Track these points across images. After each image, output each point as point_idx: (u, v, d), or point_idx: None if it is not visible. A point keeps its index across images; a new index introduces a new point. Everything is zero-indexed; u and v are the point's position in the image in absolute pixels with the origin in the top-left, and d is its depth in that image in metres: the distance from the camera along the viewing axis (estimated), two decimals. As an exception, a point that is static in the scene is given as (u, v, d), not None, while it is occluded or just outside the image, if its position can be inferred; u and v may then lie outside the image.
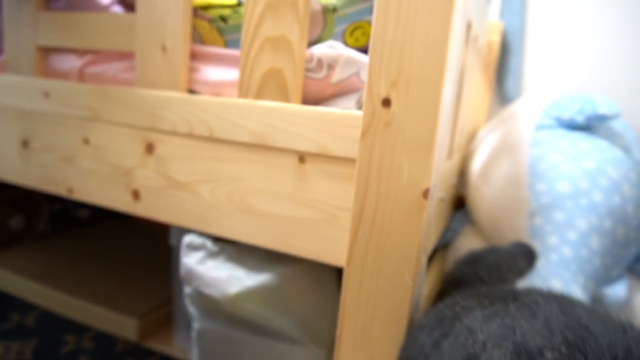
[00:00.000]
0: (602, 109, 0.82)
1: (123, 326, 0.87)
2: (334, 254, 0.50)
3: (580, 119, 0.86)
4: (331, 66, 0.51)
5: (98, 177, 0.64)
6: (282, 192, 0.52)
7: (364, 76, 0.53)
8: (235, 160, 0.54)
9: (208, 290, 0.54)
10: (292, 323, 0.55)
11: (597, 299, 0.78)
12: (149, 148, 0.59)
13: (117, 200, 0.63)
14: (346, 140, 0.47)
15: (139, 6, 0.57)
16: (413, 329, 0.42)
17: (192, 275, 0.55)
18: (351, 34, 0.56)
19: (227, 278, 0.54)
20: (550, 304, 0.34)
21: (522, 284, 0.72)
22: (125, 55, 0.63)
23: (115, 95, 0.60)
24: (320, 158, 0.49)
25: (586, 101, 0.86)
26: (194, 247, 0.57)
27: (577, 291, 0.73)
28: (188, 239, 0.58)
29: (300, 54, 0.49)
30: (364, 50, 0.61)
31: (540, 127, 0.91)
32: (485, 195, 0.89)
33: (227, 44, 0.57)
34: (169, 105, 0.56)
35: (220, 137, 0.54)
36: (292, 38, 0.49)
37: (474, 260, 0.49)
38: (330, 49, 0.51)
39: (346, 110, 0.47)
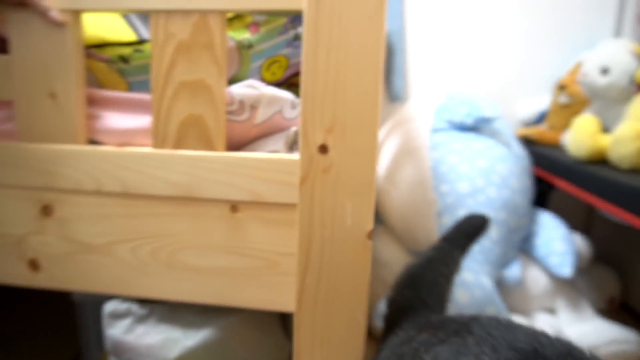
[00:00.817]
0: (487, 111, 0.91)
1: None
2: (279, 300, 0.48)
3: (469, 121, 0.94)
4: (254, 107, 0.49)
5: (-21, 249, 0.53)
6: (216, 244, 0.48)
7: (287, 113, 0.52)
8: (157, 215, 0.49)
9: (143, 361, 0.49)
10: (239, 375, 0.53)
11: (498, 282, 0.88)
12: (46, 210, 0.51)
13: (9, 274, 0.53)
14: (281, 185, 0.45)
15: (14, 46, 0.48)
16: None
17: (121, 347, 0.50)
18: (268, 68, 0.54)
19: (162, 343, 0.49)
20: (501, 335, 0.37)
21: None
22: (1, 104, 0.53)
23: (-7, 152, 0.50)
24: (254, 205, 0.47)
25: (472, 105, 0.95)
26: (118, 316, 0.51)
27: (485, 279, 0.81)
28: (110, 307, 0.51)
29: (221, 98, 0.46)
30: (281, 83, 0.59)
31: (435, 130, 0.98)
32: (394, 199, 0.94)
33: (130, 87, 0.51)
34: (66, 160, 0.49)
35: (137, 192, 0.48)
36: (211, 82, 0.46)
37: (413, 282, 0.51)
38: (251, 89, 0.49)
39: (278, 155, 0.46)
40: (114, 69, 0.50)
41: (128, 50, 0.50)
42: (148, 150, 0.48)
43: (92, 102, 0.51)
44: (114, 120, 0.50)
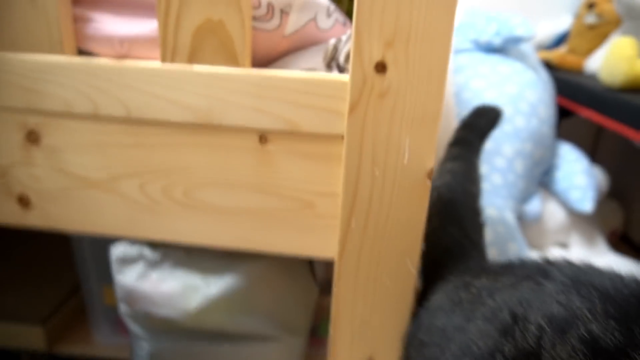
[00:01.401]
0: (520, 30, 0.82)
1: (26, 337, 0.72)
2: (316, 245, 0.42)
3: (497, 41, 0.85)
4: (285, 12, 0.39)
5: (-46, 182, 0.45)
6: (241, 181, 0.41)
7: (322, 22, 0.43)
8: (169, 145, 0.41)
9: (160, 311, 0.43)
10: (264, 322, 0.48)
11: (519, 217, 0.84)
12: (32, 136, 0.42)
13: (-6, 211, 0.45)
14: (323, 112, 0.38)
15: None
16: (423, 312, 0.39)
17: (134, 296, 0.44)
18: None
19: (182, 291, 0.44)
20: (590, 281, 0.32)
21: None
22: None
23: (-44, 64, 0.40)
24: (288, 136, 0.39)
25: (502, 23, 0.85)
26: (129, 261, 0.45)
27: (509, 215, 0.77)
28: (119, 251, 0.45)
29: (247, -1, 0.36)
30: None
31: (458, 51, 0.89)
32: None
33: (126, -18, 0.40)
34: (52, 75, 0.39)
35: (143, 118, 0.40)
36: (234, -24, 0.35)
37: (453, 214, 0.46)
38: (280, -12, 0.39)
39: (320, 75, 0.37)
40: (105, -43, 0.39)
41: None
42: (155, 64, 0.38)
43: (80, 0, 0.40)
44: (109, 24, 0.39)
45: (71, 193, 0.44)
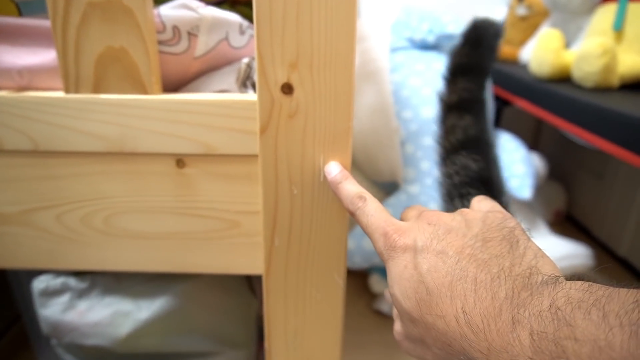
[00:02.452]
0: (451, 28, 0.84)
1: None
2: (244, 263, 0.42)
3: (431, 39, 0.86)
4: (192, 34, 0.38)
5: None
6: (162, 206, 0.41)
7: (234, 41, 0.42)
8: (83, 175, 0.40)
9: (89, 341, 0.42)
10: (203, 339, 0.48)
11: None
12: None
13: None
14: (236, 134, 0.37)
15: None
16: None
17: (61, 328, 0.42)
18: (205, -19, 0.42)
19: (111, 318, 0.43)
20: None
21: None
22: None
23: None
24: (205, 158, 0.39)
25: (435, 21, 0.87)
26: (52, 293, 0.43)
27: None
28: (40, 284, 0.43)
29: (148, 24, 0.35)
30: (222, 1, 0.48)
31: (394, 50, 0.90)
32: (354, 128, 0.87)
33: (20, 10, 0.39)
34: (-52, 111, 0.37)
35: (52, 149, 0.38)
36: (131, 3, 0.34)
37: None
38: (186, 10, 0.38)
39: (230, 96, 0.37)
40: (-5, -16, 0.37)
41: (11, -43, 0.36)
42: (59, 95, 0.37)
43: (-28, 31, 0.38)
44: (6, 55, 0.38)
45: (-16, 230, 0.42)
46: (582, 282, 0.22)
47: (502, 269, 0.24)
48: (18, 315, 0.78)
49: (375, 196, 0.33)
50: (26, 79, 0.38)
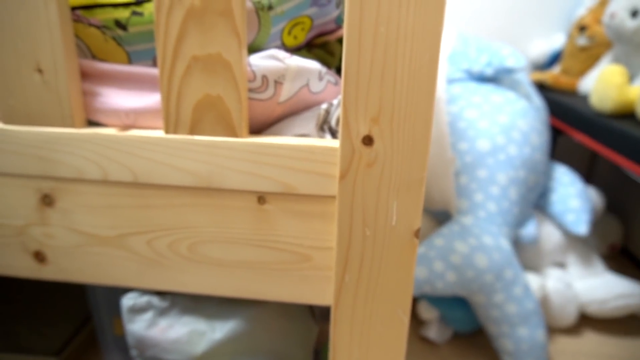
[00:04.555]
0: (510, 61, 0.85)
1: (40, 372, 0.75)
2: (313, 294, 0.45)
3: (489, 71, 0.87)
4: (278, 82, 0.42)
5: (-26, 240, 0.48)
6: (241, 237, 0.44)
7: (314, 87, 0.45)
8: (174, 206, 0.44)
9: (169, 357, 0.46)
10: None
11: (515, 241, 0.87)
12: (47, 200, 0.45)
13: (14, 266, 0.48)
14: (316, 176, 0.40)
15: (-17, 10, 0.40)
16: None
17: (145, 343, 0.47)
18: (289, 32, 0.46)
19: (188, 337, 0.47)
20: None
21: (457, 244, 0.76)
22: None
23: (-24, 136, 0.44)
24: (284, 197, 0.42)
25: (494, 53, 0.88)
26: (138, 310, 0.47)
27: (503, 242, 0.79)
28: (129, 301, 0.48)
29: (242, 75, 0.39)
30: (302, 47, 0.52)
31: (451, 81, 0.91)
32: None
33: (131, 58, 0.44)
34: (64, 146, 0.43)
35: (149, 182, 0.43)
36: (230, 57, 0.38)
37: None
38: (274, 60, 0.42)
39: (312, 142, 0.40)
40: (110, 36, 0.42)
41: (125, 13, 0.41)
42: (159, 135, 0.42)
43: (88, 76, 0.43)
44: (116, 98, 0.43)
45: (83, 249, 0.47)
46: None
47: None
48: (88, 318, 0.84)
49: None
50: (132, 118, 0.43)
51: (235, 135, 0.41)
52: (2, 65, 0.41)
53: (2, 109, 0.43)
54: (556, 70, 1.26)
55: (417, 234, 0.39)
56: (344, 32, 0.35)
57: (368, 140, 0.37)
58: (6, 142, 0.43)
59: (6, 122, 0.43)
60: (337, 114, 0.44)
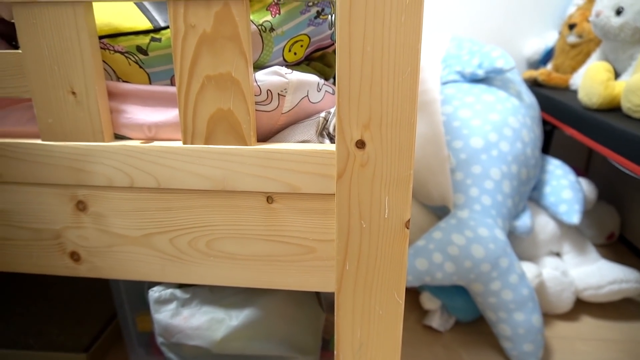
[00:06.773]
0: (500, 63, 0.90)
1: (71, 367, 0.81)
2: (318, 282, 0.51)
3: (480, 73, 0.92)
4: (281, 95, 0.48)
5: (18, 245, 0.54)
6: (253, 233, 0.50)
7: (313, 97, 0.51)
8: (192, 207, 0.50)
9: (192, 342, 0.52)
10: (279, 345, 0.57)
11: (510, 232, 0.91)
12: (81, 206, 0.51)
13: (53, 266, 0.55)
14: (317, 177, 0.46)
15: (22, 42, 0.46)
16: None
17: (170, 331, 0.53)
18: (289, 49, 0.52)
19: (208, 324, 0.52)
20: None
21: (455, 237, 0.81)
22: (23, 101, 0.51)
23: (20, 151, 0.50)
24: (289, 196, 0.48)
25: (485, 56, 0.93)
26: (163, 301, 0.53)
27: (499, 232, 0.84)
28: (155, 294, 0.54)
29: (249, 90, 0.45)
30: (302, 61, 0.57)
31: (445, 82, 0.96)
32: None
33: (150, 79, 0.49)
34: (95, 157, 0.49)
35: (170, 187, 0.49)
36: (238, 75, 0.44)
37: None
38: (276, 76, 0.47)
39: (313, 147, 0.45)
40: (133, 60, 0.48)
41: (145, 39, 0.47)
42: (178, 145, 0.47)
43: (114, 96, 0.49)
44: (139, 114, 0.48)
45: (114, 249, 0.53)
46: None
47: None
48: (113, 316, 0.90)
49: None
50: (153, 132, 0.49)
51: (245, 143, 0.47)
52: (42, 89, 0.47)
53: (41, 127, 0.49)
54: (549, 67, 1.30)
55: (407, 224, 0.45)
56: (336, 51, 0.40)
57: (361, 144, 0.42)
58: (45, 156, 0.49)
59: (45, 138, 0.49)
60: (334, 121, 0.49)
